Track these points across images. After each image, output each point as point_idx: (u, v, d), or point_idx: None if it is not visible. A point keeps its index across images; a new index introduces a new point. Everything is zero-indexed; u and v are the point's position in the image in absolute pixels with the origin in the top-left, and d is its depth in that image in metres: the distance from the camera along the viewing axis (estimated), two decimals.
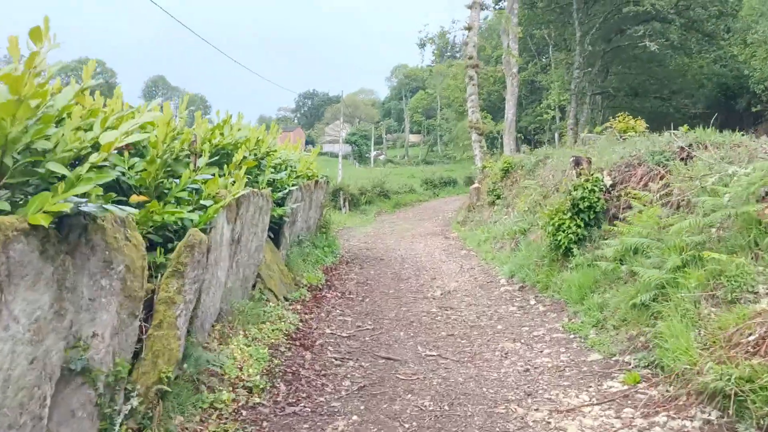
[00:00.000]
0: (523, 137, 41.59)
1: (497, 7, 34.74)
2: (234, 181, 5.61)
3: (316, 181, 13.33)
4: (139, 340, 3.72)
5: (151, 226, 4.61)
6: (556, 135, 43.42)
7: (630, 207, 7.81)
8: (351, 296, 9.20)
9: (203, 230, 5.03)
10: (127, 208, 3.03)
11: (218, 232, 5.28)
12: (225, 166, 5.88)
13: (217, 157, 6.90)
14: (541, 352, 6.14)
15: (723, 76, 41.63)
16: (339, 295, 9.23)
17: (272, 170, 8.93)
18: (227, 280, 5.88)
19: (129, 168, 4.84)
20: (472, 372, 5.59)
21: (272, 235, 9.07)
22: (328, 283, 10.12)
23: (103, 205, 2.89)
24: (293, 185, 9.53)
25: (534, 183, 13.55)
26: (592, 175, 8.24)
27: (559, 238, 8.25)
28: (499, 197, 16.51)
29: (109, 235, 3.20)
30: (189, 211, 4.84)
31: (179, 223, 4.94)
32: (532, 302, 8.23)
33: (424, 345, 6.50)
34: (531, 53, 46.44)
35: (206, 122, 7.29)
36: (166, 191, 4.98)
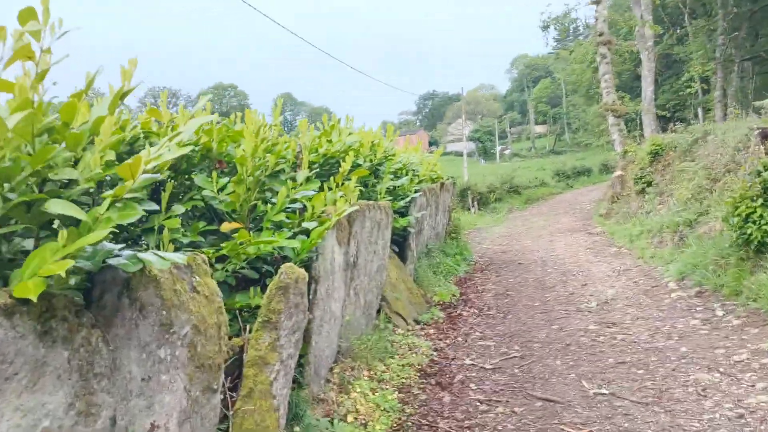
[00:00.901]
0: (669, 115, 38.09)
1: None
2: (343, 195, 4.70)
3: (442, 184, 12.32)
4: (225, 417, 2.87)
5: (245, 260, 3.81)
6: (700, 110, 39.31)
7: None
8: (490, 312, 8.05)
9: (308, 259, 4.16)
10: (173, 255, 2.14)
11: (327, 258, 4.39)
12: (332, 178, 5.01)
13: (326, 168, 6.09)
14: (753, 386, 4.65)
15: None
16: (476, 312, 8.11)
17: (391, 177, 8.02)
18: (344, 312, 4.99)
19: (219, 190, 4.08)
20: (664, 420, 4.25)
21: (396, 249, 8.16)
22: (463, 297, 9.03)
23: (138, 255, 2.02)
24: (416, 191, 8.55)
25: (694, 165, 11.61)
26: None
27: (748, 231, 6.58)
28: (649, 184, 14.53)
29: (165, 287, 2.35)
30: (289, 237, 3.98)
31: (279, 251, 4.11)
32: (720, 313, 6.62)
33: (589, 379, 5.22)
34: (665, 25, 42.63)
35: (312, 129, 6.52)
36: (261, 214, 4.17)
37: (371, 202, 5.73)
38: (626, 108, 21.23)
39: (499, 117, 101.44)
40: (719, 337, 5.91)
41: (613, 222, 16.13)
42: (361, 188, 7.09)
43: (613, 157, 28.27)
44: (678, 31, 43.04)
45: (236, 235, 3.61)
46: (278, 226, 4.20)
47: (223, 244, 3.67)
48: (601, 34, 20.88)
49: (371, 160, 7.37)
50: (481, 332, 7.07)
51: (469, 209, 28.86)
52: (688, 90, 41.56)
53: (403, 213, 8.32)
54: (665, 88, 45.27)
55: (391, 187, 8.20)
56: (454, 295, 8.84)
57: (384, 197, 7.17)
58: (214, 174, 4.10)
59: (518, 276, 10.91)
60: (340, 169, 4.81)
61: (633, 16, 24.50)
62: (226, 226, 3.67)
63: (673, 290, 8.15)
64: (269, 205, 4.17)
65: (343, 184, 4.98)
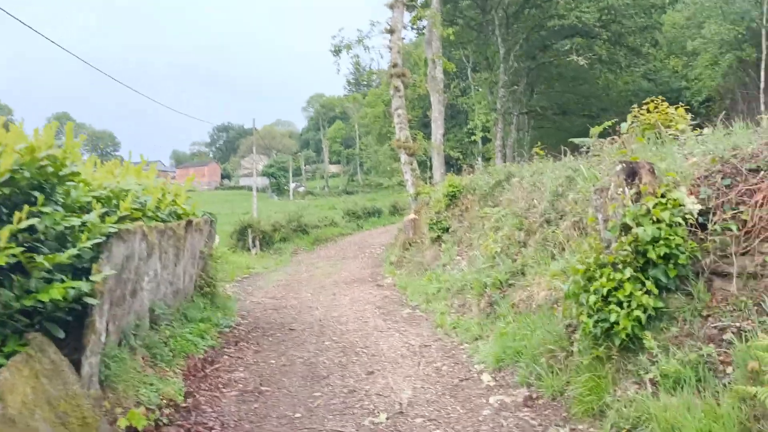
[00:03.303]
0: (455, 161, 38.74)
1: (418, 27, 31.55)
2: None
3: (189, 222, 8.98)
4: None
5: None
6: (480, 159, 40.74)
7: (749, 253, 4.02)
8: None
9: None
10: None
11: None
12: None
13: None
14: None
15: (650, 91, 40.44)
16: None
17: (61, 210, 4.62)
18: None
19: None
20: None
21: (62, 335, 4.68)
22: (189, 402, 5.75)
23: None
24: (107, 233, 5.17)
25: (500, 211, 9.71)
26: (665, 196, 4.37)
27: (612, 317, 4.29)
28: (446, 231, 12.60)
29: None
30: None
31: None
32: None
33: None
34: (450, 76, 44.38)
35: None
36: None
37: None
38: (419, 146, 19.73)
39: (294, 154, 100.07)
40: None
41: (405, 273, 13.97)
42: None
43: (403, 198, 27.09)
44: (462, 83, 44.88)
45: None
46: None
47: None
48: (395, 65, 19.25)
49: None
50: None
51: (250, 249, 25.56)
52: (473, 138, 43.08)
53: (86, 269, 4.94)
54: (450, 136, 46.84)
55: (66, 228, 4.82)
56: (171, 402, 5.52)
57: (8, 247, 3.74)
58: None
59: (284, 353, 7.93)
60: None
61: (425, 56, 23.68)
62: None
63: (490, 389, 5.70)
64: None
65: None
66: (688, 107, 7.61)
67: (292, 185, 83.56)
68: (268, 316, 10.88)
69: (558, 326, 5.34)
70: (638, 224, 4.26)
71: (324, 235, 31.46)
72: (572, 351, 4.90)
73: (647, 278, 4.27)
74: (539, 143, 10.63)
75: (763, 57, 23.11)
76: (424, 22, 24.13)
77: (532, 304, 6.59)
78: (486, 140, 41.81)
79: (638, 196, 4.44)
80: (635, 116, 6.52)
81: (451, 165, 47.11)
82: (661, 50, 36.77)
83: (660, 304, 4.24)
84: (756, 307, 3.88)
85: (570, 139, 8.65)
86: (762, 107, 21.97)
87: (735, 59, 25.46)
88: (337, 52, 21.34)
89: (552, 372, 5.10)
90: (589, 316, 4.44)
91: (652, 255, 4.19)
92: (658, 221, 4.21)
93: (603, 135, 8.10)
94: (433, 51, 22.20)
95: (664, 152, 5.16)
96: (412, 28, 33.23)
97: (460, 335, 7.74)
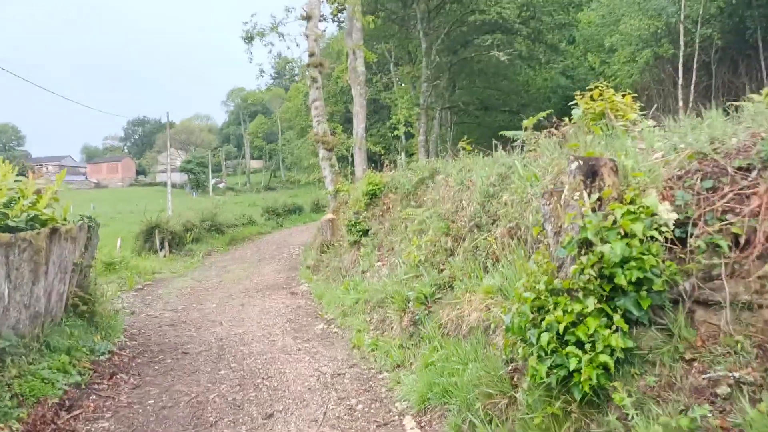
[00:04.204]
0: (378, 156, 37.79)
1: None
2: None
3: (54, 230, 7.43)
4: None
5: None
6: (403, 155, 39.97)
7: (742, 276, 3.08)
8: None
9: None
10: None
11: None
12: None
13: None
14: None
15: (568, 88, 40.91)
16: None
17: None
18: None
19: None
20: None
21: None
22: None
23: None
24: None
25: (424, 212, 8.66)
26: (635, 202, 3.37)
27: (571, 364, 3.26)
28: (365, 233, 11.46)
29: None
30: None
31: None
32: None
33: None
34: (372, 71, 43.40)
35: None
36: None
37: None
38: (338, 139, 18.51)
39: (213, 149, 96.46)
40: None
41: (321, 278, 12.75)
42: None
43: (325, 195, 25.88)
44: (384, 79, 44.03)
45: None
46: None
47: None
48: (312, 54, 17.92)
49: None
50: None
51: (158, 252, 23.57)
52: (396, 133, 42.27)
53: None
54: (373, 131, 45.92)
55: None
56: None
57: None
58: None
59: (169, 388, 6.57)
60: None
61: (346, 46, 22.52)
62: None
63: None
64: None
65: None
66: None
67: (211, 181, 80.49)
68: (163, 335, 9.43)
69: (497, 363, 4.29)
70: (602, 240, 3.25)
71: (241, 235, 29.78)
72: (516, 398, 3.85)
73: (615, 310, 3.27)
74: (465, 137, 9.68)
75: (681, 53, 23.26)
76: (345, 14, 22.96)
77: (462, 325, 5.54)
78: (409, 135, 41.12)
79: (600, 202, 3.44)
80: (587, 102, 5.57)
81: (374, 161, 46.12)
82: (578, 47, 37.18)
83: (630, 344, 3.25)
84: (757, 350, 2.94)
85: (501, 132, 7.71)
86: (680, 103, 22.07)
87: (652, 55, 25.60)
88: (249, 39, 19.77)
89: (490, 423, 4.04)
90: (541, 359, 3.39)
91: (621, 280, 3.19)
92: (628, 235, 3.22)
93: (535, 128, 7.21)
94: (354, 42, 21.05)
95: (618, 147, 4.20)
96: (333, 21, 31.94)
97: (379, 360, 6.62)
